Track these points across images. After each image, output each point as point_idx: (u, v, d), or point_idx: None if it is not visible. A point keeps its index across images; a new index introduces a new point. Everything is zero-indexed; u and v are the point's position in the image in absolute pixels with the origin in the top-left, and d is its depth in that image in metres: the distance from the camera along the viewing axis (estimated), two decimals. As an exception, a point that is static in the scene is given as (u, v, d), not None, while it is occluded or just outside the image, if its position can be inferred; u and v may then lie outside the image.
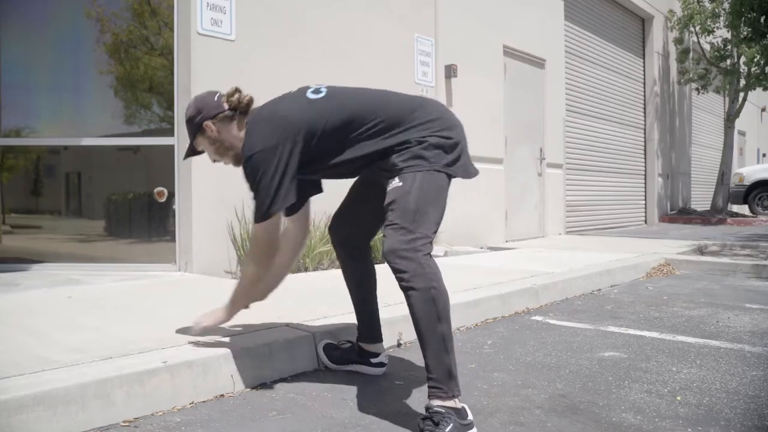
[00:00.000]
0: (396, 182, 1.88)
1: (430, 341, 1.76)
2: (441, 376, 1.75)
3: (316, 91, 2.05)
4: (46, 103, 4.63)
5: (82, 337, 2.38)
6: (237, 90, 2.11)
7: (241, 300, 2.24)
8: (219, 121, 2.09)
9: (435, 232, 1.89)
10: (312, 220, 4.78)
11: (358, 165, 2.03)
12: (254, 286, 2.20)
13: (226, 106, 2.09)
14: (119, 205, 4.64)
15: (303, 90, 2.08)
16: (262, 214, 1.97)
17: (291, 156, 1.92)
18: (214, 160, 2.22)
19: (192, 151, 2.21)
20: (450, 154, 1.95)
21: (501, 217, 7.27)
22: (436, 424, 1.68)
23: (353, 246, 2.25)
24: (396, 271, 1.79)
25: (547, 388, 2.23)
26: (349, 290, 2.32)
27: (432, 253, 1.88)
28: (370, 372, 2.35)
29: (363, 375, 2.35)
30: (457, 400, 1.75)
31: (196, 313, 2.39)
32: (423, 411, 1.78)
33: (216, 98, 2.12)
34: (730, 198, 12.56)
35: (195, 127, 2.11)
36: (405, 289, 1.80)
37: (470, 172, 2.03)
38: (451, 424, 1.67)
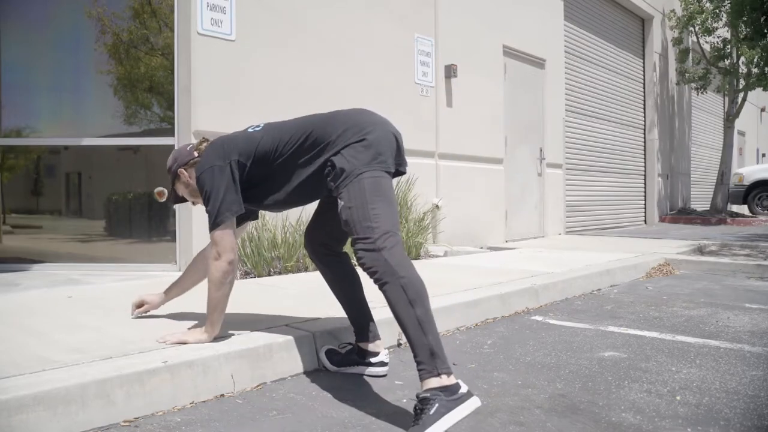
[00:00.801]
0: (340, 203, 2.03)
1: (407, 326, 1.87)
2: (424, 357, 1.83)
3: (255, 126, 2.31)
4: (46, 103, 4.64)
5: (82, 337, 2.38)
6: (204, 140, 2.36)
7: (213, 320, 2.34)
8: (191, 167, 2.34)
9: (395, 223, 1.99)
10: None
11: (300, 193, 2.21)
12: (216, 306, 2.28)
13: (195, 153, 2.34)
14: (119, 205, 4.64)
15: (247, 128, 2.35)
16: (213, 221, 2.16)
17: (232, 172, 2.16)
18: (193, 203, 2.45)
19: (176, 198, 2.47)
20: (366, 154, 2.04)
21: (501, 217, 7.27)
22: (422, 410, 1.74)
23: (325, 253, 2.38)
24: (368, 273, 1.94)
25: (547, 388, 2.23)
26: (333, 294, 2.43)
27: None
28: (372, 372, 2.35)
29: (363, 376, 2.34)
30: (444, 376, 1.80)
31: (196, 312, 2.39)
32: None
33: (188, 148, 2.39)
34: (729, 198, 12.56)
35: (172, 174, 2.39)
36: (380, 286, 1.92)
37: (392, 165, 2.11)
38: (437, 405, 1.73)
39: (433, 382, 1.78)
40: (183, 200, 2.47)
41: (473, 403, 1.79)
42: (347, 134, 2.07)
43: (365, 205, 1.97)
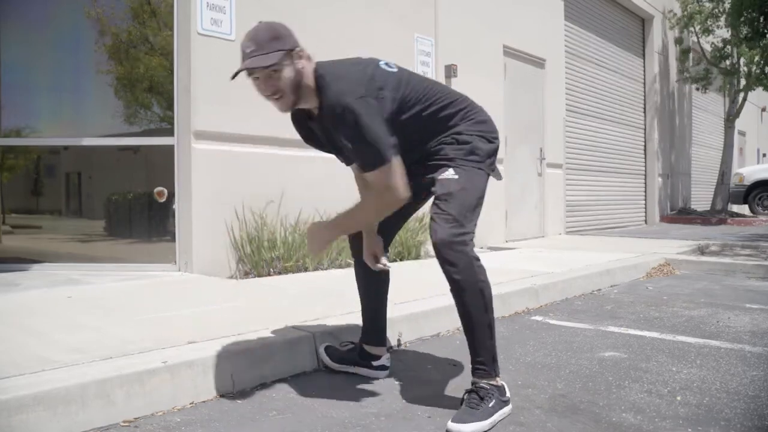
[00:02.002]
0: (451, 173, 1.96)
1: (478, 329, 1.93)
2: (487, 359, 1.93)
3: (387, 64, 2.04)
4: (46, 103, 4.63)
5: (82, 337, 2.38)
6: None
7: (341, 229, 2.14)
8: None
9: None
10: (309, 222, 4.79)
11: (413, 145, 2.02)
12: (356, 227, 2.14)
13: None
14: (119, 205, 4.64)
15: (374, 60, 2.05)
16: (382, 157, 1.84)
17: (383, 107, 1.89)
18: (269, 96, 1.93)
19: (275, 85, 1.91)
20: (491, 158, 2.07)
21: (501, 217, 7.27)
22: (482, 399, 1.86)
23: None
24: (447, 262, 1.90)
25: (547, 388, 2.23)
26: (363, 296, 2.35)
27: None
28: (371, 375, 2.34)
29: (363, 376, 2.34)
30: (498, 379, 1.95)
31: (196, 312, 2.38)
32: (424, 410, 1.82)
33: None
34: (730, 198, 12.55)
35: (286, 48, 1.87)
36: (454, 281, 1.91)
37: (499, 175, 2.16)
38: (494, 400, 1.88)
39: (492, 381, 1.92)
40: (275, 91, 1.91)
41: (510, 409, 1.95)
42: (484, 126, 2.09)
43: (476, 200, 1.97)
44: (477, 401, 1.86)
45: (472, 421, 1.80)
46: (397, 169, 1.87)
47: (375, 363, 2.34)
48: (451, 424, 1.80)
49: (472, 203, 1.96)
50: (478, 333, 1.93)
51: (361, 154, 1.89)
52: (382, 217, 2.07)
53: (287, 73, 1.88)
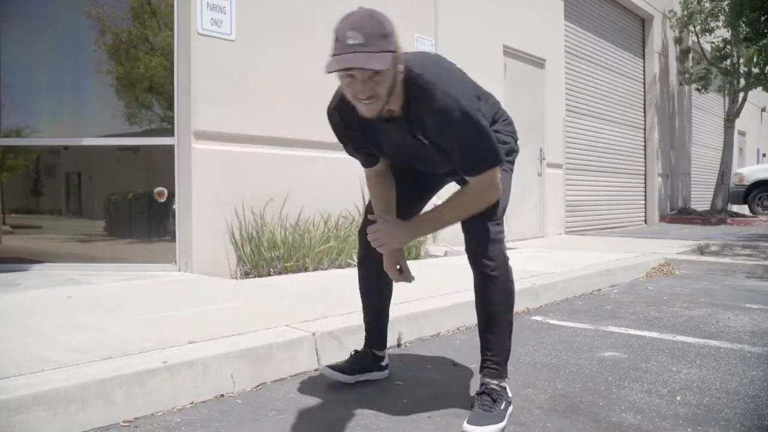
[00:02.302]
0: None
1: (500, 327, 1.94)
2: (502, 358, 1.95)
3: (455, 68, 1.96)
4: (46, 103, 4.63)
5: (82, 337, 2.38)
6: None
7: (426, 228, 2.04)
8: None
9: None
10: (311, 221, 4.78)
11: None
12: (441, 227, 2.03)
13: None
14: (119, 205, 4.64)
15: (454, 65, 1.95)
16: (497, 157, 1.83)
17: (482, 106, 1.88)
18: (363, 98, 1.70)
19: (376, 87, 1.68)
20: (514, 161, 2.14)
21: (501, 217, 7.26)
22: (494, 401, 1.86)
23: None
24: (487, 258, 1.90)
25: (547, 388, 2.23)
26: (368, 298, 2.25)
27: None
28: (381, 376, 2.30)
29: (373, 379, 2.32)
30: (507, 380, 1.98)
31: (196, 312, 2.38)
32: (424, 410, 1.81)
33: None
34: (730, 198, 12.55)
35: (393, 50, 1.66)
36: (488, 277, 1.90)
37: None
38: (504, 402, 1.88)
39: (501, 383, 1.93)
40: (370, 95, 1.68)
41: (512, 408, 1.95)
42: (512, 128, 2.17)
43: (507, 198, 2.01)
44: (490, 403, 1.85)
45: (489, 424, 1.78)
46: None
47: (382, 363, 2.31)
48: (468, 426, 1.77)
49: (506, 203, 2.01)
50: (500, 331, 1.94)
51: (474, 156, 1.81)
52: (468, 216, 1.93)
53: (389, 77, 1.67)
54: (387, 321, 2.32)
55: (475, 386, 2.23)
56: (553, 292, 4.03)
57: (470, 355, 2.67)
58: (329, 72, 1.65)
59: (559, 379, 2.35)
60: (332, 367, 2.24)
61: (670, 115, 12.25)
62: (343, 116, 1.94)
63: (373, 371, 2.29)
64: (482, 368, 1.97)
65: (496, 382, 1.92)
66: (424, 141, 1.84)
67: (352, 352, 2.32)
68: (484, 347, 1.97)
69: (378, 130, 1.90)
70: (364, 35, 1.60)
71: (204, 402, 2.06)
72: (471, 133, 1.76)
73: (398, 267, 2.04)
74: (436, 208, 1.95)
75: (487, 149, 1.81)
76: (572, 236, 8.42)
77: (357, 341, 2.42)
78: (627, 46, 10.89)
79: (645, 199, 11.48)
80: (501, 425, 1.81)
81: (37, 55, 4.56)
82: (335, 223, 4.89)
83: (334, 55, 1.65)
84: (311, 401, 2.09)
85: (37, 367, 1.96)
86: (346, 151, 2.11)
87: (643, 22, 11.45)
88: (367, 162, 2.08)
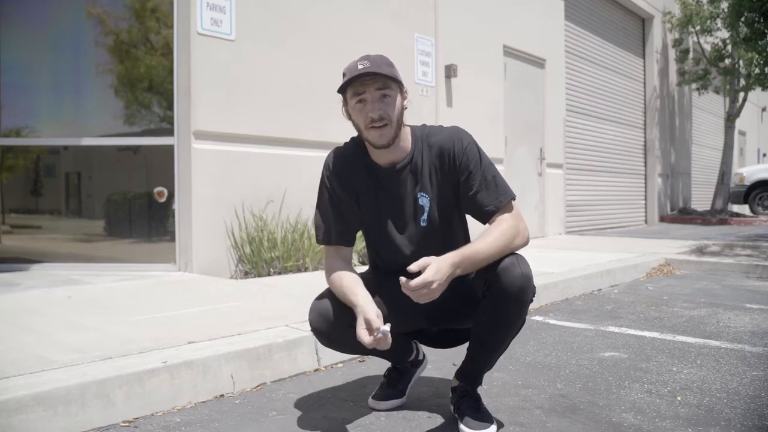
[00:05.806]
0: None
1: (500, 347, 1.87)
2: (485, 371, 1.93)
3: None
4: (46, 103, 4.63)
5: (81, 337, 2.38)
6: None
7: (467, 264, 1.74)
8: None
9: None
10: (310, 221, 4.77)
11: None
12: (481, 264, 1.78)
13: None
14: (119, 205, 4.64)
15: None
16: (510, 190, 1.94)
17: None
18: (375, 120, 1.75)
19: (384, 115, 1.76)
20: None
21: (501, 217, 7.26)
22: (479, 402, 1.87)
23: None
24: (521, 285, 1.73)
25: (547, 388, 2.23)
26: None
27: None
28: (423, 370, 2.20)
29: (362, 375, 2.34)
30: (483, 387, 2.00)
31: (196, 312, 2.38)
32: (424, 410, 1.82)
33: None
34: (730, 198, 12.55)
35: (399, 78, 1.82)
36: (524, 303, 1.76)
37: None
38: (483, 404, 1.90)
39: (476, 391, 1.92)
40: (378, 121, 1.75)
41: None
42: None
43: None
44: (477, 404, 1.86)
45: (489, 422, 1.81)
46: None
47: (419, 358, 2.17)
48: (467, 429, 1.78)
49: None
50: (498, 351, 1.87)
51: (493, 189, 1.87)
52: (505, 249, 1.80)
53: (398, 102, 1.79)
54: (411, 346, 2.13)
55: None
56: (554, 292, 4.03)
57: (470, 355, 2.67)
58: (341, 90, 1.79)
59: (559, 379, 2.35)
60: (376, 397, 2.05)
61: (671, 115, 12.25)
62: (346, 169, 1.88)
63: (418, 368, 2.16)
64: (471, 380, 1.89)
65: (473, 386, 1.90)
66: (427, 204, 1.85)
67: (389, 370, 2.13)
68: (480, 362, 1.88)
69: (380, 187, 1.85)
70: (372, 62, 1.77)
71: (204, 402, 2.06)
72: (485, 158, 1.88)
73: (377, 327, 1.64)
74: (469, 245, 1.76)
75: (500, 177, 1.91)
76: (572, 236, 8.42)
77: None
78: (627, 45, 10.90)
79: (645, 199, 11.48)
80: (495, 425, 1.81)
81: (37, 55, 4.56)
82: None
83: (345, 83, 1.77)
84: (311, 401, 2.09)
85: (37, 367, 1.96)
86: (321, 220, 1.89)
87: (643, 21, 11.45)
88: (339, 235, 1.86)
